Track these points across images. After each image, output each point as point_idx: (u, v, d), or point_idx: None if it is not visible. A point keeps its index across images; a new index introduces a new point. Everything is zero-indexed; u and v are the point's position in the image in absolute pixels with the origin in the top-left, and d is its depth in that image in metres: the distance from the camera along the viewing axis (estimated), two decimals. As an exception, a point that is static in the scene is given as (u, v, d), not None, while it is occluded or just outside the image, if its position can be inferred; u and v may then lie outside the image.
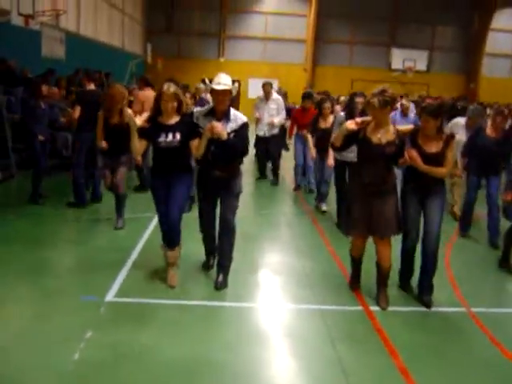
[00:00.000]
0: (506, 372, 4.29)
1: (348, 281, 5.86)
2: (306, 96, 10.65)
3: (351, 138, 5.25)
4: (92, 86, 8.68)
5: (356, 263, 5.75)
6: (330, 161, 8.08)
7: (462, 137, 8.18)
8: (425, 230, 5.47)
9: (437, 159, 5.25)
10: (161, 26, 30.52)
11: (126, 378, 3.91)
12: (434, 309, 5.38)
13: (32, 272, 5.78)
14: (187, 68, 28.05)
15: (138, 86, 11.11)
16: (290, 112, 12.09)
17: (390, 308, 5.31)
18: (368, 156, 5.23)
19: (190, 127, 5.40)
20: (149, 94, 9.82)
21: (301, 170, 10.83)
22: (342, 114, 7.88)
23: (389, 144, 5.15)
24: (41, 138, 8.42)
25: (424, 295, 5.48)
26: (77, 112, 8.28)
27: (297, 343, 4.59)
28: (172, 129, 5.37)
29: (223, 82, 5.32)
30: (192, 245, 6.22)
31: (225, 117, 5.37)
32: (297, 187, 10.86)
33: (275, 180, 11.63)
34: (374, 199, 5.25)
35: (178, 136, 5.35)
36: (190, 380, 3.93)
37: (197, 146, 5.33)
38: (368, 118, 5.24)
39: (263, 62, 30.92)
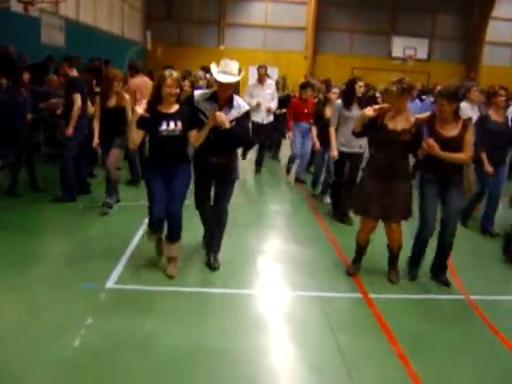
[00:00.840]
0: (504, 360, 4.30)
1: (346, 265, 5.90)
2: (306, 85, 10.42)
3: (370, 124, 5.35)
4: (74, 73, 8.30)
5: (361, 250, 5.80)
6: (334, 152, 7.69)
7: (474, 116, 7.93)
8: (445, 219, 5.53)
9: (455, 144, 5.30)
10: (161, 14, 30.33)
11: (126, 365, 3.92)
12: (433, 296, 5.42)
13: (30, 261, 5.78)
14: (187, 56, 27.88)
15: (129, 74, 10.69)
16: (287, 101, 11.65)
17: (389, 295, 5.34)
18: (384, 141, 5.35)
19: (190, 116, 5.31)
20: (140, 82, 9.66)
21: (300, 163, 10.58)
22: (339, 101, 7.77)
23: (404, 132, 5.27)
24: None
25: (443, 276, 5.67)
26: (79, 101, 7.93)
27: (296, 330, 4.60)
28: (173, 117, 5.26)
29: (230, 71, 5.21)
30: (190, 232, 6.21)
31: (228, 103, 5.32)
32: (297, 179, 10.56)
33: (259, 169, 11.39)
34: (388, 184, 5.34)
35: (179, 124, 5.25)
36: (189, 367, 3.94)
37: (196, 136, 5.27)
38: (386, 105, 5.33)
39: (263, 50, 30.75)
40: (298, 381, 3.94)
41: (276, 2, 30.76)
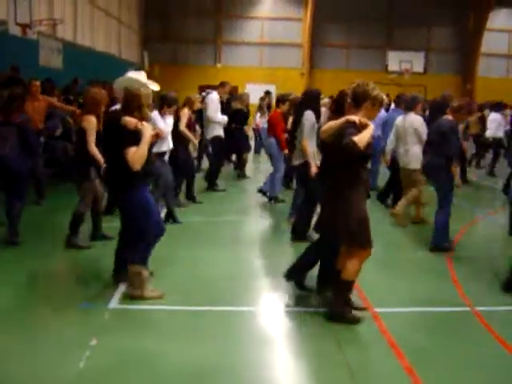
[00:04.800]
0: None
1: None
2: (284, 99, 9.94)
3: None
4: None
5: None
6: None
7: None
8: None
9: None
10: (157, 33, 30.52)
11: (132, 385, 3.89)
12: (437, 309, 5.38)
13: (32, 281, 5.76)
14: (184, 75, 28.07)
15: None
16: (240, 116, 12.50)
17: (395, 309, 5.31)
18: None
19: None
20: None
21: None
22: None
23: None
24: None
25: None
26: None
27: (303, 346, 4.58)
28: None
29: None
30: (188, 250, 6.20)
31: None
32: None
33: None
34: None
35: None
36: (196, 385, 3.91)
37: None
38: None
39: (260, 67, 30.92)
40: (305, 397, 3.90)
41: (272, 19, 30.97)
